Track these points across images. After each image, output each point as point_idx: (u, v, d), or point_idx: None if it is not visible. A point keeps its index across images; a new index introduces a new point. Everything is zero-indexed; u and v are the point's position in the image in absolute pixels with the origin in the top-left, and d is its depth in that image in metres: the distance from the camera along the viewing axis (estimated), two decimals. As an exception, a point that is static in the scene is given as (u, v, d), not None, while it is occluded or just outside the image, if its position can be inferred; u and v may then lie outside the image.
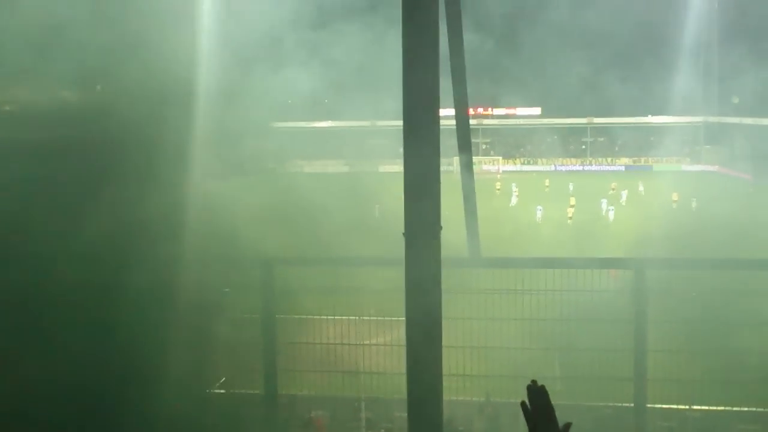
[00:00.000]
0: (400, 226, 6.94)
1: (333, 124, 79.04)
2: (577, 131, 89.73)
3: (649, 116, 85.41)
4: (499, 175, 72.50)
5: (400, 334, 7.44)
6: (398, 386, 7.81)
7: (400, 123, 6.82)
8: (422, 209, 6.84)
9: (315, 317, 11.72)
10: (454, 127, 11.36)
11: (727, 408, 11.31)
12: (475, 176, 12.38)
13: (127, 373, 8.68)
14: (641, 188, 58.78)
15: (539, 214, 46.18)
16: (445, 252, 7.04)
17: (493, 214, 39.40)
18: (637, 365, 10.39)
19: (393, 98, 7.31)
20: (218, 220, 10.95)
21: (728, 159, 75.94)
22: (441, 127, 6.88)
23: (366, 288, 11.30)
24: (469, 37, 10.37)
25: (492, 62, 69.08)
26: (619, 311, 10.78)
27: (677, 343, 11.26)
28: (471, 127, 12.36)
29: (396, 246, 7.04)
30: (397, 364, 8.48)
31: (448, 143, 11.41)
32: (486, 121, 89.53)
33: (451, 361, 9.89)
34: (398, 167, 6.91)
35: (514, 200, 54.47)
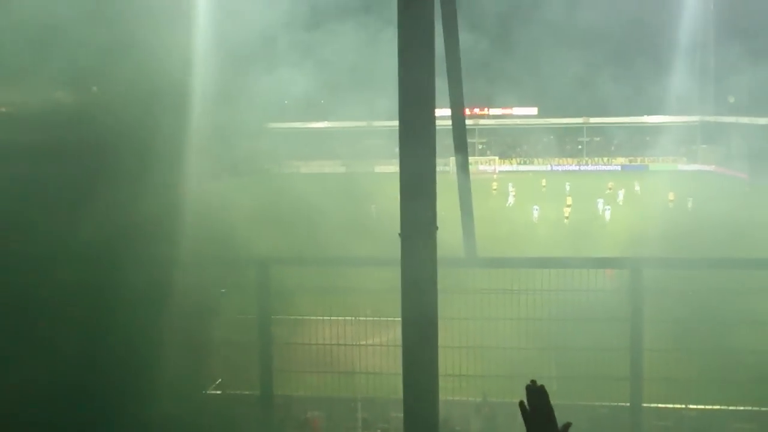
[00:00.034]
0: (396, 226, 6.94)
1: (329, 125, 79.03)
2: (573, 131, 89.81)
3: (645, 116, 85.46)
4: (495, 175, 72.54)
5: (396, 334, 7.44)
6: (394, 387, 7.81)
7: (397, 123, 6.82)
8: (418, 209, 6.84)
9: (311, 318, 11.71)
10: (450, 127, 11.36)
11: (722, 407, 11.33)
12: (472, 176, 12.38)
13: (123, 375, 8.65)
14: (637, 188, 58.91)
15: (536, 213, 46.24)
16: (441, 252, 7.04)
17: (490, 214, 39.43)
18: (633, 364, 10.39)
19: (389, 98, 7.31)
20: (213, 221, 10.93)
21: (724, 158, 76.07)
22: (437, 128, 6.88)
23: (362, 288, 11.28)
24: (464, 37, 10.36)
25: (488, 62, 69.18)
26: (615, 311, 10.78)
27: (673, 343, 11.28)
28: (467, 127, 12.35)
29: (392, 246, 7.04)
30: (394, 364, 8.47)
31: (445, 143, 11.41)
32: (482, 121, 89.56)
33: (447, 361, 9.87)
34: (395, 167, 6.90)
35: (511, 200, 54.50)
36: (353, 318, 11.94)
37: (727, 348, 11.39)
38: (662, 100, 74.71)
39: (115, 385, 8.49)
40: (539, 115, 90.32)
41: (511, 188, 57.31)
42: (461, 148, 11.62)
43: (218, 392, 12.12)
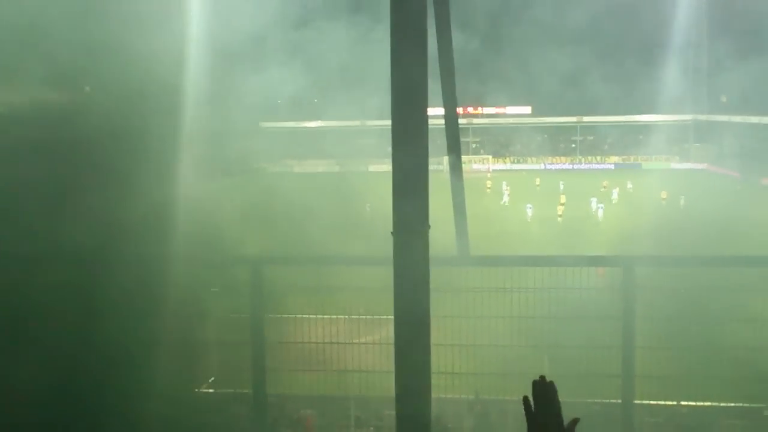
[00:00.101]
0: (390, 224, 6.96)
1: (322, 124, 78.97)
2: (566, 130, 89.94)
3: (638, 115, 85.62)
4: (489, 174, 72.59)
5: (389, 332, 7.45)
6: (387, 385, 7.82)
7: (390, 122, 6.84)
8: (411, 208, 6.85)
9: (304, 316, 11.72)
10: (443, 126, 11.38)
11: (714, 404, 11.38)
12: (466, 175, 12.41)
13: (116, 373, 8.66)
14: (630, 186, 59.03)
15: (530, 212, 46.34)
16: (433, 250, 7.06)
17: (485, 212, 39.52)
18: (625, 362, 10.44)
19: (382, 97, 7.32)
20: (205, 221, 10.93)
21: (717, 157, 76.30)
22: (430, 127, 6.90)
23: (354, 287, 11.30)
24: (457, 36, 10.38)
25: (481, 61, 69.25)
26: (607, 308, 10.82)
27: (665, 340, 11.32)
28: (460, 126, 12.38)
29: (386, 244, 7.05)
30: (386, 362, 8.49)
31: (438, 142, 11.44)
32: (476, 120, 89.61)
33: (440, 359, 9.91)
34: (388, 167, 6.92)
35: (505, 198, 54.57)
36: (346, 316, 11.96)
37: (718, 345, 11.46)
38: (655, 99, 74.84)
39: (108, 384, 8.49)
40: (532, 114, 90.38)
41: (505, 187, 57.36)
42: (454, 146, 11.64)
43: (211, 391, 12.13)
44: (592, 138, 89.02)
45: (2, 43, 8.44)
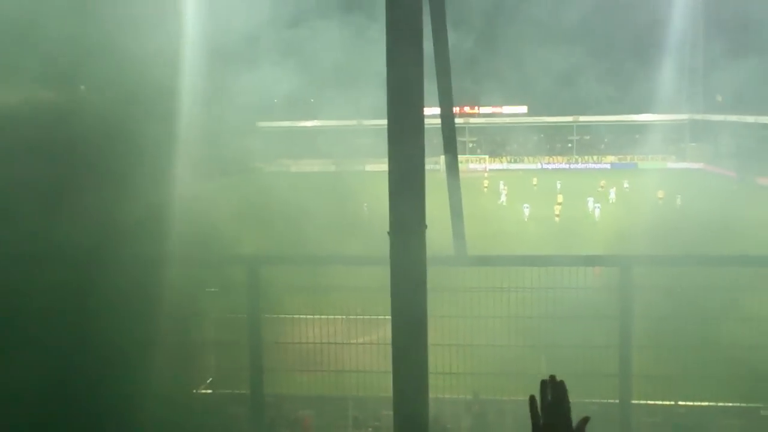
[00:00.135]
0: (385, 224, 6.95)
1: (319, 123, 78.97)
2: (563, 129, 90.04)
3: (635, 114, 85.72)
4: (486, 174, 72.62)
5: (386, 332, 7.44)
6: (385, 385, 7.81)
7: (386, 122, 6.82)
8: (407, 208, 6.84)
9: (301, 316, 11.70)
10: (440, 125, 11.36)
11: (712, 403, 11.38)
12: (462, 175, 12.39)
13: (114, 374, 8.64)
14: (626, 185, 59.07)
15: (526, 212, 46.35)
16: (430, 250, 7.05)
17: (482, 212, 39.55)
18: (622, 361, 10.43)
19: (379, 96, 7.31)
20: (202, 221, 10.91)
21: (713, 156, 76.44)
22: (426, 126, 6.89)
23: (352, 287, 11.28)
24: (453, 35, 10.37)
25: (478, 61, 69.31)
26: (605, 308, 10.81)
27: (662, 340, 11.32)
28: (457, 125, 12.35)
29: (383, 244, 7.04)
30: (384, 362, 8.48)
31: (435, 142, 11.42)
32: (472, 120, 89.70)
33: (437, 359, 9.89)
34: (385, 166, 6.90)
35: (503, 198, 54.60)
36: (343, 317, 11.95)
37: (715, 344, 11.46)
38: (651, 99, 75.00)
39: (106, 385, 8.47)
40: (529, 114, 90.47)
41: (502, 186, 57.38)
42: (451, 146, 11.63)
43: (209, 391, 12.11)
44: (588, 137, 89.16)
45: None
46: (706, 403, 11.40)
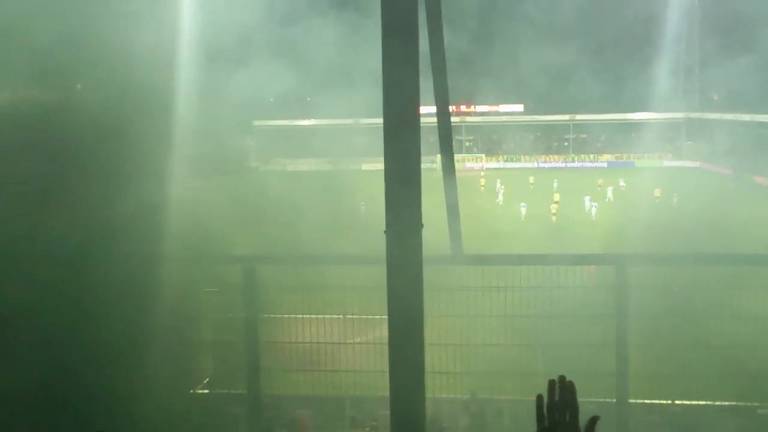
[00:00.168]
0: (382, 224, 6.94)
1: (315, 122, 78.96)
2: (559, 128, 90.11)
3: (631, 113, 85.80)
4: (482, 173, 72.62)
5: (383, 332, 7.43)
6: (382, 384, 7.80)
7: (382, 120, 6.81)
8: (403, 207, 6.83)
9: (298, 316, 11.68)
10: (436, 124, 11.35)
11: (708, 402, 11.38)
12: (459, 174, 12.37)
13: (111, 374, 8.63)
14: (622, 184, 59.11)
15: (523, 211, 46.39)
16: (426, 249, 7.04)
17: (479, 211, 39.57)
18: (619, 360, 10.42)
19: (374, 95, 7.29)
20: (198, 220, 10.89)
21: (710, 155, 76.54)
22: (422, 125, 6.87)
23: (349, 286, 11.27)
24: (449, 34, 10.35)
25: (474, 59, 69.28)
26: (601, 307, 10.81)
27: (659, 338, 11.32)
28: (453, 124, 12.35)
29: (380, 243, 7.03)
30: (381, 362, 8.47)
31: (431, 141, 11.41)
32: (468, 119, 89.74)
33: (434, 359, 9.88)
34: (381, 165, 6.89)
35: (500, 197, 54.67)
36: (341, 316, 11.93)
37: (712, 343, 11.45)
38: (647, 97, 75.08)
39: (103, 384, 8.46)
40: (525, 112, 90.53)
41: (500, 185, 57.43)
42: (447, 145, 11.61)
43: (206, 391, 12.09)
44: (584, 136, 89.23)
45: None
46: (703, 402, 11.40)
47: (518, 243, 32.95)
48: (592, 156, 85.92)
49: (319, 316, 11.64)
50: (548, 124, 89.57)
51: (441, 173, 11.71)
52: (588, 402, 11.14)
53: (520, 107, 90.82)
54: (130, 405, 8.83)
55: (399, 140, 6.78)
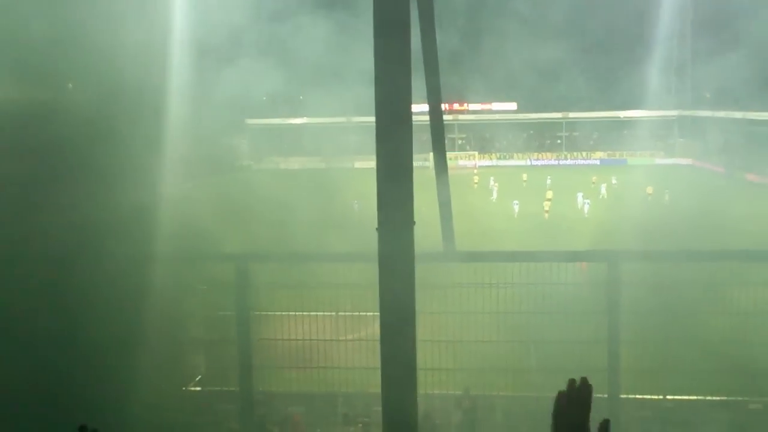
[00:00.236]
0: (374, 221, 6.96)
1: (308, 121, 78.92)
2: (552, 126, 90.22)
3: (624, 110, 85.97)
4: (475, 170, 72.71)
5: (375, 329, 7.45)
6: (375, 381, 7.81)
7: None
8: (396, 204, 6.85)
9: (291, 313, 11.69)
10: (428, 122, 11.37)
11: (700, 397, 11.44)
12: (452, 172, 12.42)
13: (104, 372, 8.64)
14: (614, 181, 59.21)
15: (516, 208, 46.49)
16: (418, 247, 7.06)
17: (472, 209, 39.65)
18: (610, 356, 10.46)
19: (367, 93, 7.31)
20: (191, 219, 10.90)
21: (702, 152, 76.75)
22: (415, 123, 6.89)
23: (341, 283, 11.29)
24: (441, 32, 10.37)
25: (467, 57, 69.33)
26: (593, 303, 10.85)
27: (650, 334, 11.37)
28: (446, 122, 12.37)
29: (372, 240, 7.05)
30: (374, 358, 8.49)
31: (425, 139, 11.44)
32: (461, 117, 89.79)
33: (426, 355, 9.91)
34: (374, 163, 6.90)
35: (495, 195, 54.77)
36: (333, 313, 11.95)
37: (703, 339, 11.52)
38: (640, 95, 75.23)
39: (96, 382, 8.47)
40: (518, 110, 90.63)
41: (493, 183, 57.52)
42: (439, 142, 11.64)
43: (198, 389, 12.10)
44: (577, 134, 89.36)
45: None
46: (695, 397, 11.46)
47: (511, 240, 33.02)
48: (584, 153, 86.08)
49: (312, 313, 11.65)
50: (541, 122, 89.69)
51: (434, 171, 11.75)
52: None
53: (513, 105, 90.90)
54: (123, 402, 8.84)
55: (391, 138, 6.79)
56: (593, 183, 57.60)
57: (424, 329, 8.63)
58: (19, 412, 7.54)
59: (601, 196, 53.29)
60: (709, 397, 11.41)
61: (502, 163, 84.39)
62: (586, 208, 46.65)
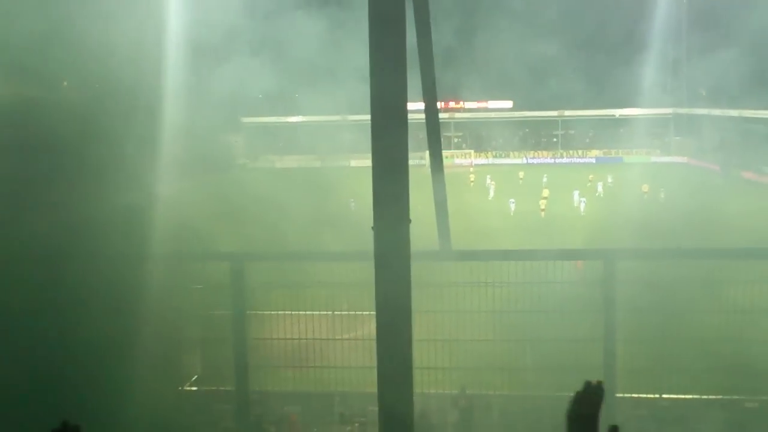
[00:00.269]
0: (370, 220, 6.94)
1: (304, 119, 78.82)
2: (548, 124, 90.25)
3: (619, 108, 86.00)
4: (471, 169, 72.68)
5: (371, 328, 7.43)
6: (371, 380, 7.81)
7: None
8: (391, 203, 6.83)
9: (287, 313, 11.68)
10: (424, 120, 11.35)
11: (696, 396, 11.45)
12: (448, 170, 12.40)
13: (100, 372, 8.62)
14: (610, 180, 59.26)
15: (512, 207, 46.53)
16: (414, 245, 7.04)
17: (468, 207, 39.59)
18: (606, 355, 10.46)
19: (363, 92, 7.29)
20: (186, 218, 10.88)
21: (697, 150, 76.83)
22: (411, 121, 6.87)
23: (337, 282, 11.28)
24: (437, 30, 10.36)
25: (463, 56, 69.33)
26: (589, 301, 10.85)
27: (646, 333, 11.37)
28: (442, 120, 12.36)
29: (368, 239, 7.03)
30: (370, 358, 8.48)
31: (421, 137, 11.42)
32: (457, 115, 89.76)
33: (422, 354, 9.89)
34: (370, 162, 6.89)
35: (492, 193, 54.78)
36: (329, 312, 11.93)
37: (699, 337, 11.52)
38: (636, 93, 75.24)
39: (93, 381, 8.45)
40: (514, 109, 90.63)
41: (489, 181, 57.53)
42: (435, 141, 11.62)
43: (194, 388, 12.08)
44: (573, 132, 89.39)
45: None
46: (690, 396, 11.46)
47: (507, 238, 33.02)
48: (580, 152, 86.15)
49: (308, 312, 11.63)
50: (537, 120, 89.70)
51: (429, 169, 11.73)
52: (576, 396, 11.15)
53: (508, 103, 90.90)
54: (120, 402, 8.82)
55: (387, 136, 6.78)
56: (590, 181, 57.65)
57: (420, 328, 8.61)
58: (13, 411, 7.52)
59: (597, 194, 53.36)
60: (705, 396, 11.41)
61: (498, 161, 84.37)
62: (582, 206, 46.69)
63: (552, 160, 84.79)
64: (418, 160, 26.24)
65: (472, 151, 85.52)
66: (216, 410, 12.04)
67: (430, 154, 11.74)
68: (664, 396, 11.54)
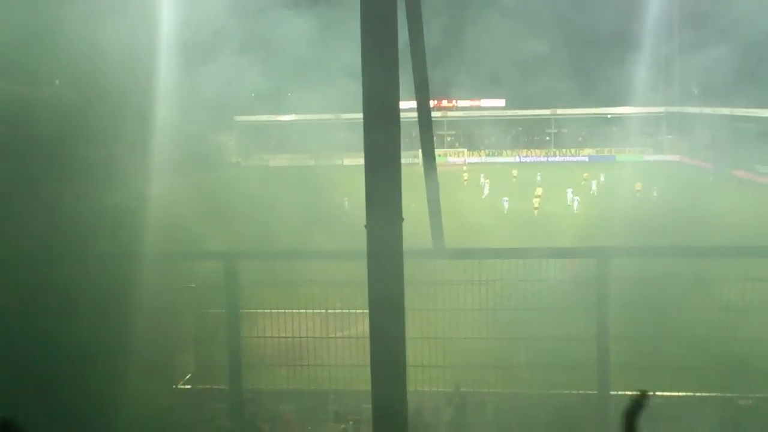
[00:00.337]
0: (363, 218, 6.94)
1: (297, 118, 78.76)
2: (541, 122, 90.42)
3: (612, 107, 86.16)
4: (465, 167, 72.77)
5: (365, 326, 7.44)
6: (365, 378, 7.81)
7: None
8: (384, 201, 6.83)
9: (280, 311, 11.67)
10: (417, 119, 11.35)
11: (689, 394, 11.47)
12: (442, 169, 12.40)
13: (94, 371, 8.60)
14: (602, 178, 59.39)
15: (506, 205, 46.62)
16: (407, 244, 7.05)
17: (461, 206, 39.68)
18: (600, 352, 10.48)
19: (356, 90, 7.29)
20: (179, 217, 10.86)
21: (690, 149, 77.06)
22: (404, 120, 6.88)
23: (330, 281, 11.27)
24: (429, 28, 10.36)
25: (455, 54, 69.37)
26: (582, 299, 10.86)
27: (639, 330, 11.39)
28: (435, 119, 12.37)
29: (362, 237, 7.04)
30: (364, 356, 8.49)
31: (414, 136, 11.42)
32: (450, 113, 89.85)
33: (415, 353, 9.90)
34: (362, 160, 6.89)
35: (486, 191, 54.86)
36: (322, 311, 11.92)
37: (693, 335, 11.54)
38: (628, 92, 75.39)
39: (86, 381, 8.43)
40: (507, 107, 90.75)
41: (483, 179, 57.59)
42: (428, 139, 11.63)
43: (188, 387, 12.06)
44: (566, 131, 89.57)
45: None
46: (684, 394, 11.48)
47: (500, 236, 33.07)
48: (573, 150, 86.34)
49: (301, 311, 11.62)
50: (530, 119, 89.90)
51: (422, 168, 11.74)
52: (570, 394, 11.21)
53: (501, 102, 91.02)
54: (113, 401, 8.81)
55: (379, 134, 6.78)
56: (584, 179, 57.79)
57: (413, 326, 8.63)
58: (6, 411, 7.49)
59: (591, 192, 53.51)
60: (698, 394, 11.43)
61: (491, 159, 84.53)
62: (576, 204, 46.80)
63: (545, 159, 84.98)
64: (412, 158, 26.27)
65: (465, 150, 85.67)
66: (210, 409, 12.01)
67: (423, 153, 11.75)
68: (658, 393, 11.56)
